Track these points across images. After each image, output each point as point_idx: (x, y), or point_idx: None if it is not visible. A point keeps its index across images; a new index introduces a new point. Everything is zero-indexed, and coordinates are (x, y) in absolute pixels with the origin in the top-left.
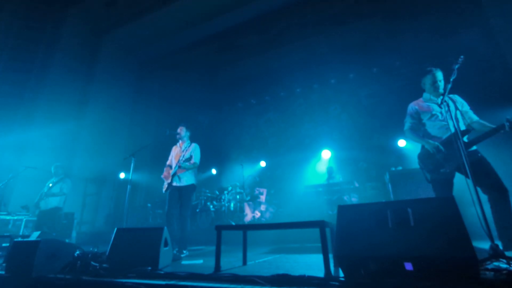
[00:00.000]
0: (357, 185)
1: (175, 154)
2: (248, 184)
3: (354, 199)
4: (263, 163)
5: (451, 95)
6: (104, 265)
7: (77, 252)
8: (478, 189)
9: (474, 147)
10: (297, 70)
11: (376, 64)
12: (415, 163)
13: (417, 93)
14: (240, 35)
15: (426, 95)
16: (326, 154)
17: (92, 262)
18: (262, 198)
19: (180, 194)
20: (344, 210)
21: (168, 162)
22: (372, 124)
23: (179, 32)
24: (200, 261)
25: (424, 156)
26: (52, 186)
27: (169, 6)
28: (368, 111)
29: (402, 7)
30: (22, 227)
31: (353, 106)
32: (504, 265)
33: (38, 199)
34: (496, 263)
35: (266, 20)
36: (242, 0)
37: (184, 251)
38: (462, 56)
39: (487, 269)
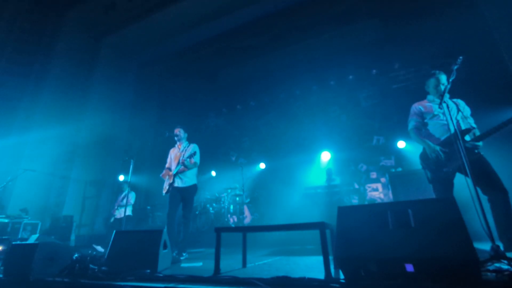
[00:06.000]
0: (357, 186)
1: (174, 156)
2: (247, 186)
3: (354, 201)
4: (262, 165)
5: (454, 99)
6: (103, 268)
7: (76, 255)
8: (478, 189)
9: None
10: (296, 72)
11: (375, 66)
12: (414, 164)
13: (416, 95)
14: (239, 38)
15: (429, 97)
16: (325, 155)
17: (91, 265)
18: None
19: (182, 196)
20: (344, 212)
21: (167, 165)
22: (371, 126)
23: (178, 35)
24: (200, 264)
25: (426, 156)
26: (122, 198)
27: (168, 9)
28: (367, 113)
29: (401, 9)
30: (21, 230)
31: (352, 108)
32: (505, 266)
33: (114, 209)
34: (497, 264)
35: (265, 22)
36: (241, 2)
37: (184, 254)
38: (461, 57)
39: (489, 270)
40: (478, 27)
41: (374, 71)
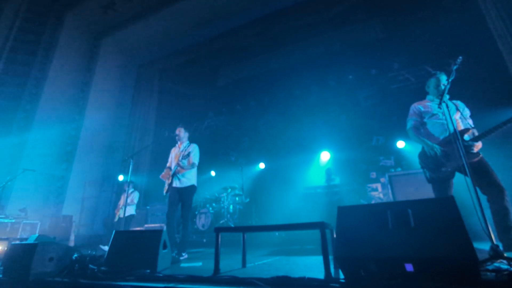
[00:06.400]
0: (356, 186)
1: (174, 155)
2: (247, 186)
3: (354, 201)
4: (262, 165)
5: (454, 100)
6: (103, 268)
7: (75, 255)
8: (478, 189)
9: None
10: (296, 71)
11: (374, 66)
12: (414, 165)
13: (416, 95)
14: (239, 37)
15: (429, 96)
16: (325, 155)
17: (90, 265)
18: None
19: (181, 196)
20: (344, 212)
21: (168, 164)
22: (371, 126)
23: (177, 35)
24: (199, 264)
25: (425, 155)
26: (126, 198)
27: (167, 9)
28: (367, 113)
29: (400, 9)
30: (20, 230)
31: (352, 108)
32: (504, 266)
33: (117, 209)
34: (496, 264)
35: (265, 22)
36: (241, 2)
37: (183, 254)
38: (460, 57)
39: (488, 270)
40: (477, 27)
41: (373, 71)
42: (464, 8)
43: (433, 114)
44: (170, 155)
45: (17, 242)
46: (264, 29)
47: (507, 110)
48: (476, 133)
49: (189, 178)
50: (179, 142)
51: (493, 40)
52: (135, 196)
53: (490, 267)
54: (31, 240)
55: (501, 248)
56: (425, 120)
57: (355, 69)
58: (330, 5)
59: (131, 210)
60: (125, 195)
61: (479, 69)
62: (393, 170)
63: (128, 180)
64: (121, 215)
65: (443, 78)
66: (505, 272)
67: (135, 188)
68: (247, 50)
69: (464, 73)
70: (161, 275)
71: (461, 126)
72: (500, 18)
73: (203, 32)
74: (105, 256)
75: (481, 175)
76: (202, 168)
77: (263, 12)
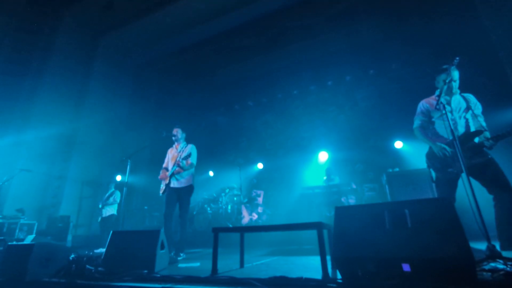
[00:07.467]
0: (354, 186)
1: (172, 156)
2: (245, 186)
3: (352, 201)
4: (260, 165)
5: (465, 94)
6: (100, 268)
7: (72, 256)
8: (485, 189)
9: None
10: (294, 72)
11: (372, 66)
12: (411, 165)
13: (414, 95)
14: (237, 37)
15: (438, 92)
16: (323, 155)
17: (88, 266)
18: (260, 200)
19: (178, 196)
20: (341, 212)
21: (164, 165)
22: (369, 126)
23: (176, 35)
24: (197, 264)
25: (432, 155)
26: (106, 198)
27: (166, 9)
28: (365, 113)
29: (398, 9)
30: (17, 230)
31: (350, 108)
32: (501, 266)
33: (99, 209)
34: (493, 264)
35: (263, 22)
36: (240, 2)
37: (181, 254)
38: (457, 58)
39: (484, 270)
40: (475, 27)
41: (371, 71)
42: (463, 9)
43: (443, 114)
44: (167, 156)
45: (14, 242)
46: (263, 29)
47: (507, 111)
48: (488, 135)
49: (187, 178)
50: (176, 143)
51: (491, 40)
52: (116, 196)
53: (486, 267)
54: (28, 241)
55: (497, 248)
56: (433, 119)
57: (353, 70)
58: (329, 5)
59: (112, 210)
60: (107, 194)
61: (477, 70)
62: (390, 170)
63: (126, 180)
64: (104, 215)
65: (455, 74)
66: (501, 272)
67: (116, 188)
68: (246, 50)
69: (463, 74)
70: (158, 275)
71: (471, 127)
72: (498, 19)
73: (202, 32)
74: (102, 257)
75: (490, 176)
76: (200, 168)
77: (262, 12)
